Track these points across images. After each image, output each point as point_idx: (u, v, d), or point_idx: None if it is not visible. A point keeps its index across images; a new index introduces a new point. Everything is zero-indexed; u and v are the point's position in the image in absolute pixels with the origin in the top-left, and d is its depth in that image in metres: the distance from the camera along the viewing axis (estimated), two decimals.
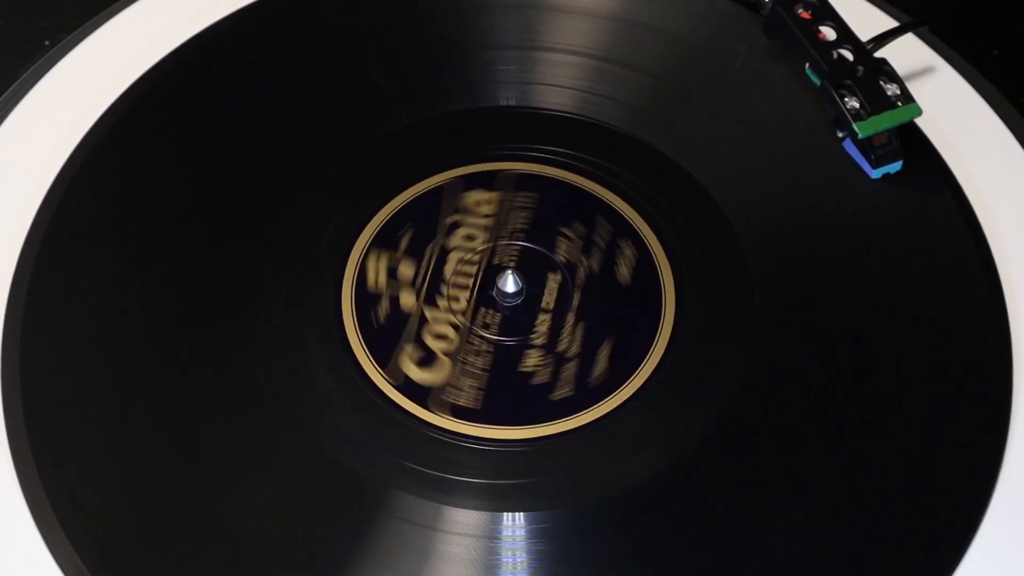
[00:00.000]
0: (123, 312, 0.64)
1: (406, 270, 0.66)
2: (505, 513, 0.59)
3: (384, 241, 0.67)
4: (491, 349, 0.64)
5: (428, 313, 0.65)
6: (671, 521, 0.59)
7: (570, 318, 0.65)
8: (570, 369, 0.63)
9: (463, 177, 0.70)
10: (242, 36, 0.75)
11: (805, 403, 0.62)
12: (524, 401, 0.62)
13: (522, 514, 0.58)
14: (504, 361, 0.64)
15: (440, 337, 0.64)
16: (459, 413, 0.62)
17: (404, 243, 0.67)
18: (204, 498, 0.59)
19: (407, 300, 0.65)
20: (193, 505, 0.58)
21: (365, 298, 0.65)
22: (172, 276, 0.66)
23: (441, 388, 0.63)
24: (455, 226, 0.68)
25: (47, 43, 0.76)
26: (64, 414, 0.61)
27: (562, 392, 0.63)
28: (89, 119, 0.70)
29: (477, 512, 0.59)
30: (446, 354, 0.64)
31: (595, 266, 0.67)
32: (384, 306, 0.65)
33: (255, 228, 0.68)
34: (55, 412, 0.61)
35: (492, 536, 0.58)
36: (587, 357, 0.64)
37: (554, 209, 0.69)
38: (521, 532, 0.58)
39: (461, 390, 0.63)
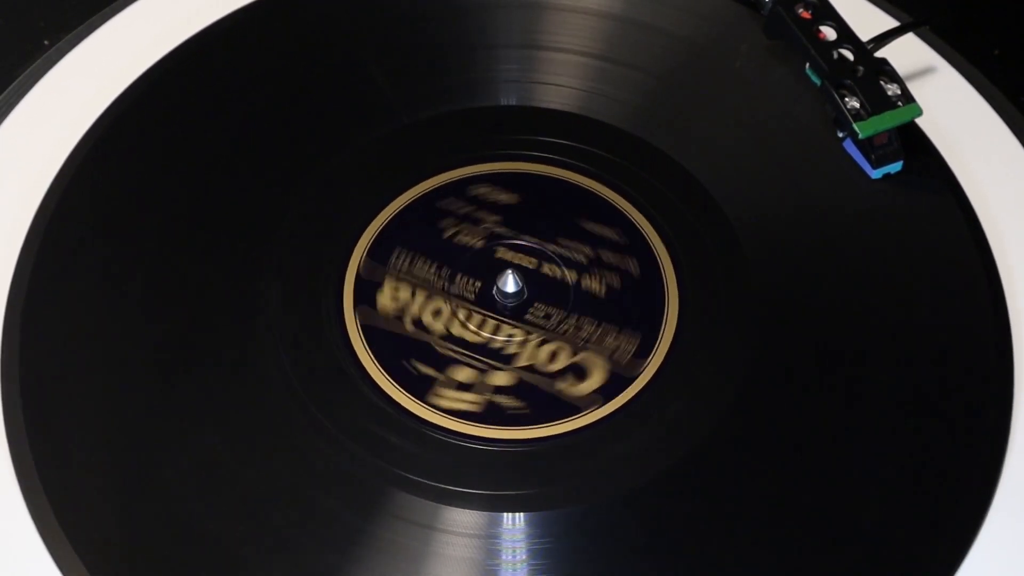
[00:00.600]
0: (123, 312, 0.64)
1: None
2: (505, 514, 0.59)
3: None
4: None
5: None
6: (672, 522, 0.59)
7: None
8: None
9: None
10: (241, 36, 0.75)
11: (806, 403, 0.62)
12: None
13: (522, 515, 0.58)
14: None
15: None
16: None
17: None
18: (204, 499, 0.59)
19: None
20: (193, 505, 0.58)
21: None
22: (171, 276, 0.65)
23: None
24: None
25: (46, 43, 0.76)
26: (63, 414, 0.61)
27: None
28: (88, 119, 0.70)
29: (482, 513, 0.59)
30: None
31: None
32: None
33: (254, 228, 0.67)
34: (54, 412, 0.61)
35: (492, 536, 0.58)
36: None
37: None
38: (521, 533, 0.58)
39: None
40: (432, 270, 0.66)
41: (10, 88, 0.72)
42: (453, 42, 0.75)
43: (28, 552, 0.57)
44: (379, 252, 0.67)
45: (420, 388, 0.62)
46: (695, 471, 0.60)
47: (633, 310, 0.65)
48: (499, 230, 0.68)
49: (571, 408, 0.62)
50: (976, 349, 0.63)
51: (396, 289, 0.66)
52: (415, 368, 0.63)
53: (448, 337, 0.64)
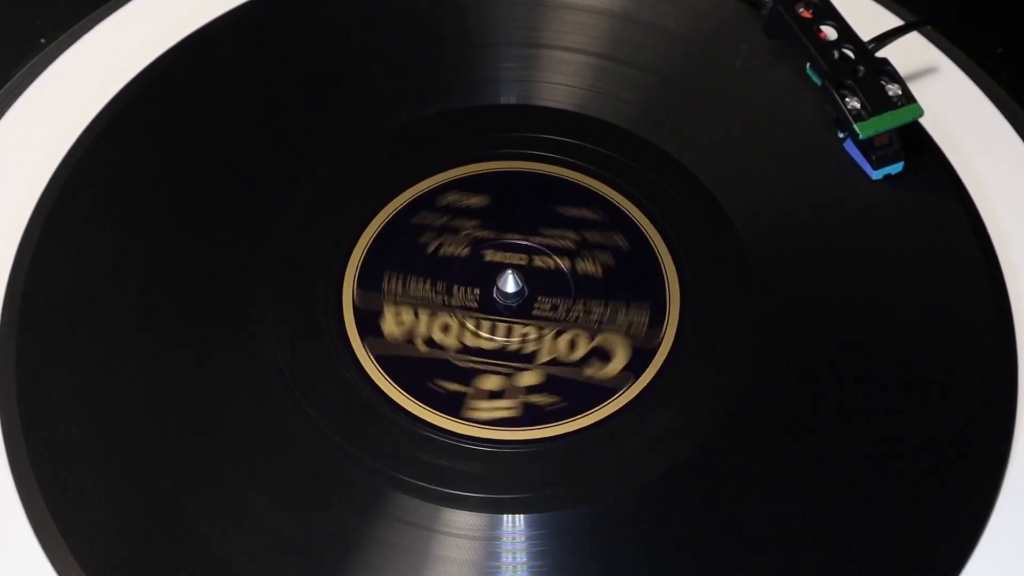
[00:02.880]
0: (121, 312, 0.64)
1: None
2: (505, 515, 0.58)
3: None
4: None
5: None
6: (672, 523, 0.58)
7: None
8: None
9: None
10: (239, 34, 0.75)
11: (807, 403, 0.62)
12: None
13: (522, 516, 0.58)
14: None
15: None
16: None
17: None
18: (203, 499, 0.58)
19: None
20: (192, 507, 0.58)
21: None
22: (170, 277, 0.65)
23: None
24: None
25: (43, 41, 0.76)
26: (60, 413, 0.61)
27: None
28: (85, 117, 0.70)
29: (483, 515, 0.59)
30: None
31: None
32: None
33: (253, 228, 0.67)
34: (51, 411, 0.61)
35: (492, 538, 0.58)
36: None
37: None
38: (521, 534, 0.58)
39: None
40: (427, 287, 0.66)
41: (7, 86, 0.72)
42: (453, 40, 0.75)
43: (25, 553, 0.57)
44: (369, 280, 0.66)
45: (452, 405, 0.62)
46: (695, 473, 0.60)
47: (636, 285, 0.66)
48: (480, 234, 0.68)
49: (606, 391, 0.62)
50: (979, 349, 0.63)
51: (398, 314, 0.65)
52: (441, 387, 0.63)
53: (465, 349, 0.64)
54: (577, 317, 0.65)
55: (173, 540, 0.57)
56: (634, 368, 0.63)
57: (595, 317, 0.65)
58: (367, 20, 0.76)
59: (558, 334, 0.64)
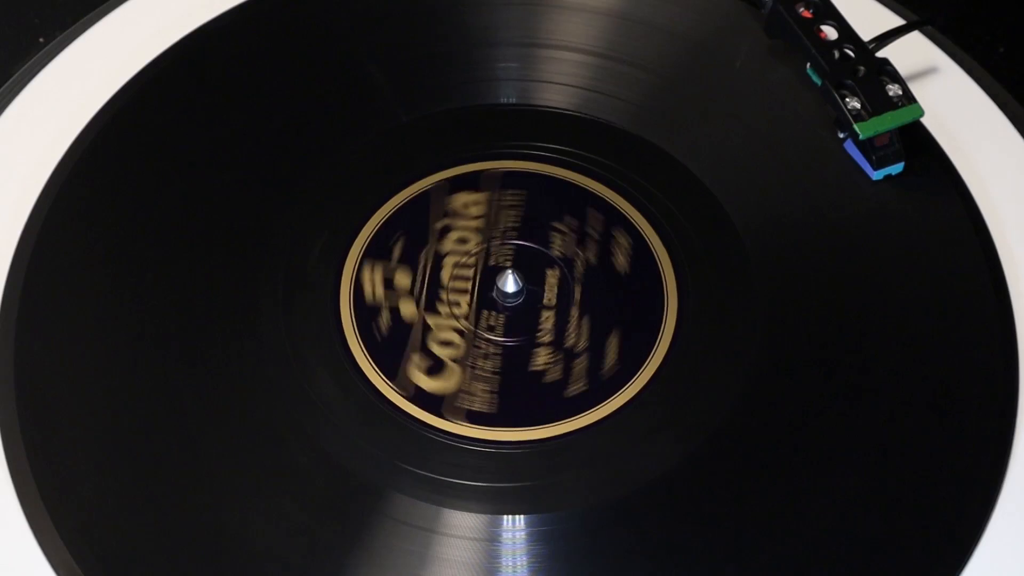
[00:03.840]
0: (119, 313, 0.64)
1: (402, 279, 0.66)
2: (505, 516, 0.58)
3: (377, 251, 0.67)
4: (499, 351, 0.64)
5: (431, 320, 0.65)
6: (672, 524, 0.58)
7: (574, 313, 0.65)
8: (581, 364, 0.63)
9: (455, 178, 0.70)
10: (238, 33, 0.74)
11: (808, 404, 0.62)
12: (539, 400, 0.62)
13: (522, 517, 0.58)
14: (514, 362, 0.64)
15: (446, 344, 0.64)
16: (474, 418, 0.61)
17: (397, 252, 0.67)
18: (202, 501, 0.58)
19: (407, 309, 0.65)
20: (191, 508, 0.58)
21: (364, 309, 0.65)
22: (168, 277, 0.65)
23: (454, 395, 0.62)
24: (446, 229, 0.68)
25: (41, 40, 0.76)
26: (58, 414, 0.61)
27: (576, 387, 0.62)
28: (84, 117, 0.70)
29: (481, 515, 0.59)
30: (454, 360, 0.63)
31: (597, 263, 0.67)
32: (385, 317, 0.65)
33: (252, 227, 0.67)
34: (50, 413, 0.61)
35: (493, 539, 0.58)
36: (596, 351, 0.64)
37: (556, 208, 0.69)
38: (522, 535, 0.58)
39: (475, 395, 0.62)
40: (428, 276, 0.66)
41: (5, 85, 0.72)
42: (453, 39, 0.75)
43: (23, 555, 0.57)
44: (372, 262, 0.67)
45: (433, 402, 0.62)
46: (695, 474, 0.60)
47: (634, 307, 0.65)
48: (488, 232, 0.68)
49: (583, 405, 0.62)
50: (981, 350, 0.63)
51: (395, 299, 0.65)
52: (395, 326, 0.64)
53: (454, 343, 0.64)
54: (570, 321, 0.65)
55: (171, 540, 0.57)
56: (620, 381, 0.63)
57: (586, 323, 0.65)
58: (367, 20, 0.75)
59: (549, 338, 0.64)
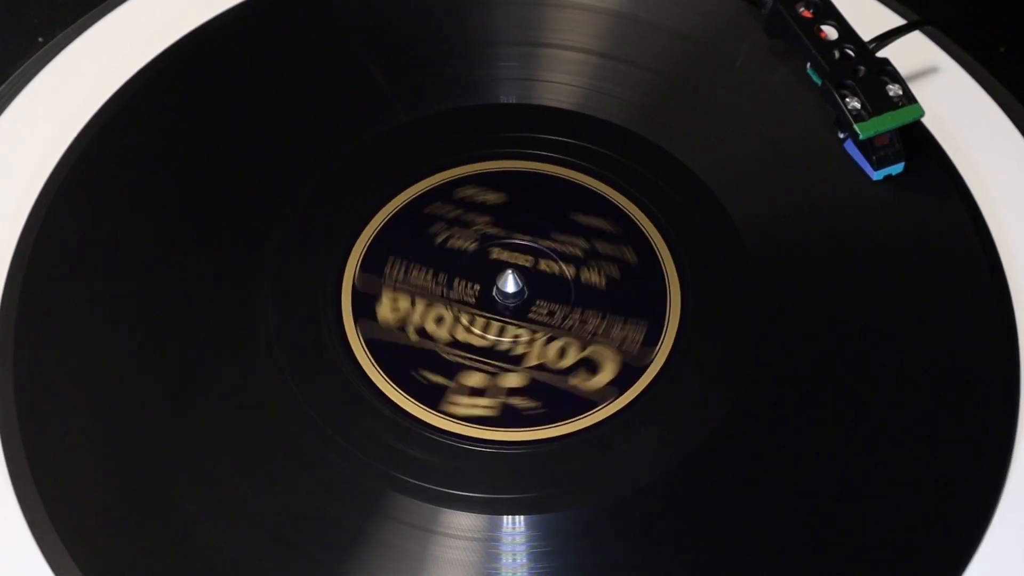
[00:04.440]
0: (117, 313, 0.64)
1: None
2: (505, 517, 0.58)
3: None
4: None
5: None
6: (672, 525, 0.58)
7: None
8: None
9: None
10: (239, 32, 0.74)
11: (809, 405, 0.62)
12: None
13: (522, 518, 0.58)
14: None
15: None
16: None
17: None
18: (201, 499, 0.58)
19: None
20: (190, 509, 0.58)
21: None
22: (168, 276, 0.65)
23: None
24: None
25: (40, 40, 0.76)
26: (57, 418, 0.60)
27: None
28: (83, 116, 0.70)
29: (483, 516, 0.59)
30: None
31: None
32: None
33: (252, 226, 0.67)
34: (48, 416, 0.60)
35: (492, 540, 0.58)
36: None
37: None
38: (521, 536, 0.58)
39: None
40: (428, 277, 0.66)
41: (4, 85, 0.72)
42: (453, 39, 0.75)
43: (22, 556, 0.57)
44: (372, 263, 0.66)
45: (432, 398, 0.62)
46: (696, 475, 0.60)
47: (636, 300, 0.65)
48: (491, 231, 0.68)
49: (587, 404, 0.62)
50: (981, 350, 0.63)
51: (395, 300, 0.65)
52: (424, 378, 0.63)
53: (454, 343, 0.64)
54: (572, 325, 0.65)
55: (170, 539, 0.57)
56: (619, 384, 0.63)
57: (590, 328, 0.64)
58: (367, 19, 0.75)
59: (550, 340, 0.64)
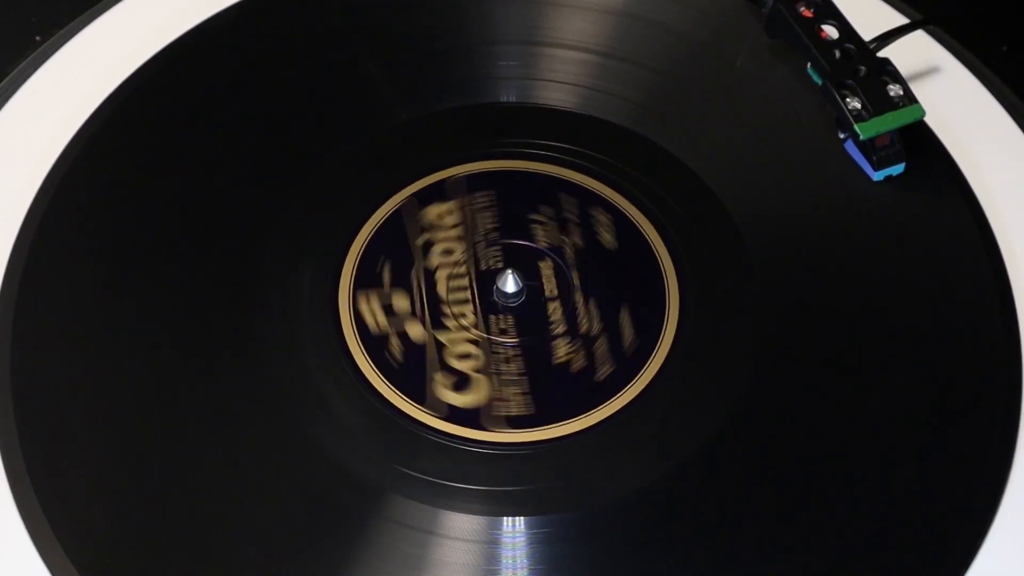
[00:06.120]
0: (115, 312, 0.64)
1: (400, 302, 0.65)
2: (504, 518, 0.58)
3: (367, 279, 0.66)
4: (518, 352, 0.63)
5: (442, 337, 0.64)
6: (672, 526, 0.58)
7: (579, 298, 0.65)
8: (602, 345, 0.63)
9: (455, 180, 0.69)
10: (236, 31, 0.74)
11: (809, 404, 0.61)
12: (572, 391, 0.62)
13: (522, 519, 0.58)
14: (536, 359, 0.63)
15: (465, 357, 0.63)
16: (515, 423, 0.61)
17: (387, 276, 0.66)
18: (201, 502, 0.58)
19: (415, 331, 0.64)
20: (189, 510, 0.58)
21: (371, 339, 0.64)
22: (166, 278, 0.65)
23: (488, 405, 0.62)
24: (428, 244, 0.67)
25: (38, 39, 0.76)
26: (56, 416, 0.60)
27: (604, 370, 0.63)
28: (81, 116, 0.70)
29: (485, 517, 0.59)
30: (478, 371, 0.63)
31: (597, 264, 0.67)
32: (396, 344, 0.64)
33: (251, 226, 0.67)
34: (47, 414, 0.60)
35: (493, 541, 0.58)
36: (612, 329, 0.64)
37: (556, 208, 0.69)
38: (522, 537, 0.58)
39: (509, 400, 0.62)
40: (425, 294, 0.66)
41: (2, 84, 0.72)
42: (453, 38, 0.75)
43: (22, 560, 0.57)
44: (365, 276, 0.66)
45: (470, 416, 0.62)
46: (695, 476, 0.59)
47: (638, 309, 0.65)
48: (480, 233, 0.68)
49: (604, 393, 0.62)
50: (983, 350, 0.63)
51: (399, 324, 0.65)
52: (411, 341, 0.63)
53: (472, 355, 0.64)
54: (575, 318, 0.64)
55: (170, 542, 0.57)
56: (631, 370, 0.63)
57: (593, 318, 0.64)
58: (367, 18, 0.75)
59: (555, 336, 0.64)
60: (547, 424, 0.61)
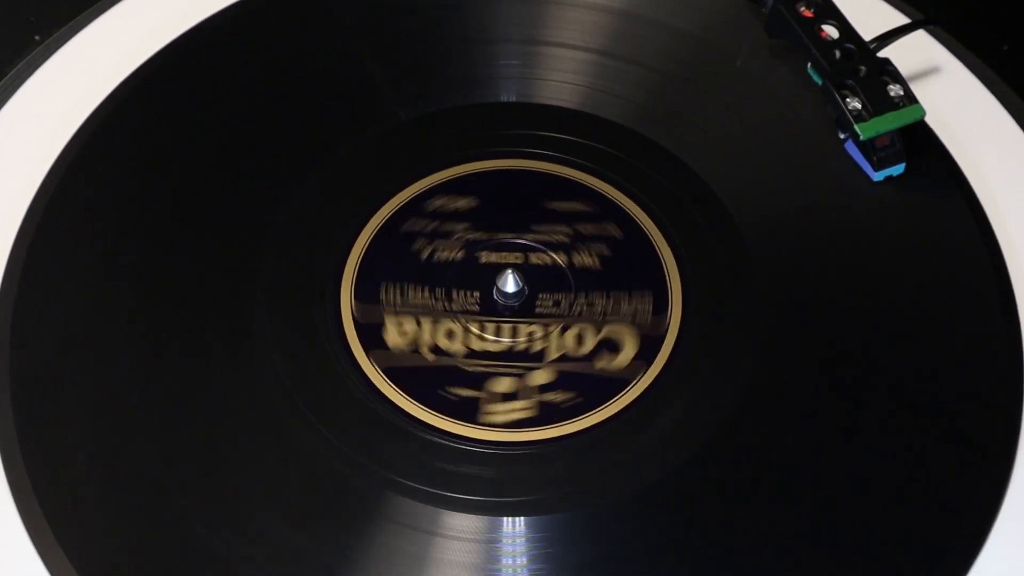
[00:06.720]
0: (115, 315, 0.64)
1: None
2: (505, 518, 0.58)
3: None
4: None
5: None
6: (672, 527, 0.58)
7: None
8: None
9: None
10: (235, 31, 0.74)
11: (810, 404, 0.61)
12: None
13: (522, 519, 0.58)
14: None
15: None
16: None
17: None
18: (203, 504, 0.58)
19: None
20: (192, 512, 0.58)
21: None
22: (165, 280, 0.65)
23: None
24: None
25: (37, 38, 0.76)
26: (54, 416, 0.60)
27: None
28: (80, 116, 0.70)
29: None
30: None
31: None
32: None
33: (251, 226, 0.67)
34: (45, 414, 0.60)
35: (493, 540, 0.58)
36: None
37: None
38: (522, 537, 0.58)
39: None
40: (426, 294, 0.65)
41: (1, 83, 0.72)
42: (452, 37, 0.75)
43: (23, 562, 0.57)
44: (365, 292, 0.65)
45: (467, 411, 0.62)
46: (696, 476, 0.60)
47: (635, 279, 0.66)
48: (472, 236, 0.67)
49: (621, 382, 0.62)
50: (984, 350, 0.63)
51: (400, 324, 0.65)
52: (453, 394, 0.62)
53: (472, 354, 0.64)
54: (581, 311, 0.65)
55: (172, 546, 0.57)
56: (645, 357, 0.63)
57: (599, 309, 0.65)
58: (366, 18, 0.75)
59: (564, 329, 0.64)
60: (547, 424, 0.61)
